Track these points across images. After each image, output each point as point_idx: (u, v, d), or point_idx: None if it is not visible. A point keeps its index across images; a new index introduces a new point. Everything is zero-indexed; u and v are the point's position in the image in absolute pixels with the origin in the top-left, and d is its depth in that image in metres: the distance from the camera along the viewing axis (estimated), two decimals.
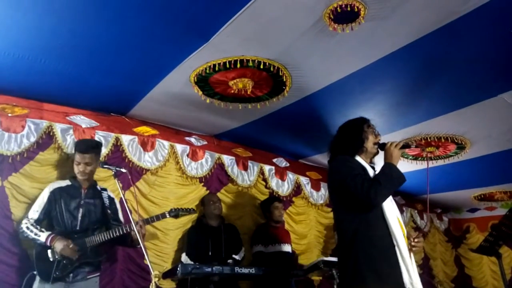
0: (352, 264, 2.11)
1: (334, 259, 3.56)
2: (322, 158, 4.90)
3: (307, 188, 4.96)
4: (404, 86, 3.24)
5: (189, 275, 2.89)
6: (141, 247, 2.36)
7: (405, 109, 3.62)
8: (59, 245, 2.74)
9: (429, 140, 4.18)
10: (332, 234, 4.98)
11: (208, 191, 4.08)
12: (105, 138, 3.54)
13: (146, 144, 3.79)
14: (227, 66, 2.83)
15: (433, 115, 3.71)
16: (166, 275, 3.10)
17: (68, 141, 3.31)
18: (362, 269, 2.06)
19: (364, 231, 2.12)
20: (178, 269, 2.83)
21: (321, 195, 5.07)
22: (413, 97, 3.42)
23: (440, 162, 4.71)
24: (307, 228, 4.84)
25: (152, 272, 2.23)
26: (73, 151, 3.12)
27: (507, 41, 2.65)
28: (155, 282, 2.22)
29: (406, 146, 2.33)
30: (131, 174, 3.35)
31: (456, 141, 4.17)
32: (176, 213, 3.13)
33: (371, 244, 2.09)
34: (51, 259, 2.75)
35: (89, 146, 3.03)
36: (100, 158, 3.41)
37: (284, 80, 3.02)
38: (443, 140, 4.16)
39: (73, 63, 2.84)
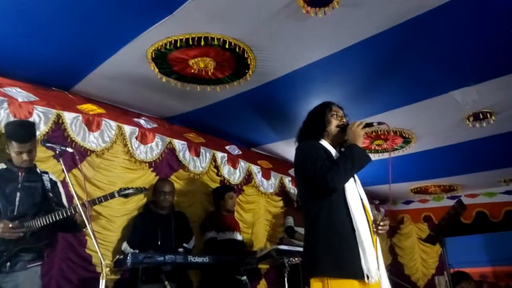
0: (312, 250, 2.09)
1: (287, 247, 3.57)
2: (274, 147, 4.87)
3: (258, 177, 4.90)
4: (361, 78, 3.28)
5: (139, 264, 2.70)
6: (84, 232, 2.15)
7: (360, 101, 3.66)
8: None
9: (379, 133, 4.31)
10: (280, 222, 4.99)
11: (157, 177, 3.86)
12: (44, 114, 3.18)
13: (91, 123, 3.47)
14: (190, 43, 2.66)
15: (386, 108, 3.79)
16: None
17: (1, 116, 2.92)
18: (321, 256, 2.03)
19: (325, 215, 2.09)
20: (128, 258, 2.64)
21: (271, 184, 5.04)
22: (369, 90, 3.48)
23: (386, 155, 4.89)
24: (255, 217, 4.79)
25: (103, 262, 2.04)
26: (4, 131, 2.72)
27: (465, 39, 2.76)
28: (106, 274, 2.05)
29: (369, 125, 2.26)
30: (73, 156, 3.03)
31: (403, 135, 4.34)
32: (125, 193, 2.82)
33: (331, 229, 2.06)
34: None
35: (29, 134, 2.62)
36: (38, 136, 3.08)
37: (248, 62, 2.91)
38: (392, 134, 4.30)
39: (10, 28, 2.50)
